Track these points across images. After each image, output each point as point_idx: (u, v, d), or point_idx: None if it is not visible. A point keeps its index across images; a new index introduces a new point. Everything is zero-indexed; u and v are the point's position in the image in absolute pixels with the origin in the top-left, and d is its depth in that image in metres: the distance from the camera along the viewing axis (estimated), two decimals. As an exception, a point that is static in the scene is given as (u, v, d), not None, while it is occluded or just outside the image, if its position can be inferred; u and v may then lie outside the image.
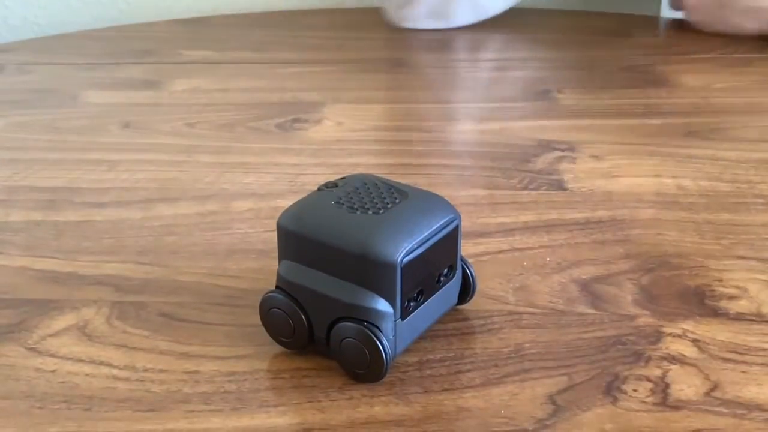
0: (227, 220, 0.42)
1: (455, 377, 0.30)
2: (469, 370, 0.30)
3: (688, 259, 0.37)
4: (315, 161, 0.49)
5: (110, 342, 0.32)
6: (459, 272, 0.32)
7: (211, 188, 0.45)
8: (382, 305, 0.28)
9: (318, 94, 0.61)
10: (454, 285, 0.32)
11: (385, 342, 0.28)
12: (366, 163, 0.48)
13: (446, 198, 0.31)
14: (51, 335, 0.33)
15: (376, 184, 0.31)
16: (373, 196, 0.30)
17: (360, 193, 0.31)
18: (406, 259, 0.28)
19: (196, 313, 0.34)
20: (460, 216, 0.31)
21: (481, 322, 0.33)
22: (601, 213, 0.41)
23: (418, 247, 0.29)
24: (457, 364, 0.30)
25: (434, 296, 0.30)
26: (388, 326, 0.28)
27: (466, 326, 0.33)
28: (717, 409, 0.28)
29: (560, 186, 0.44)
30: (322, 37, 0.78)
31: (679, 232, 0.39)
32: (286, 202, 0.43)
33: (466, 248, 0.38)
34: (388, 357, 0.28)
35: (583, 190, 0.44)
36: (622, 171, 0.46)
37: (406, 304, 0.29)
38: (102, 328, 0.33)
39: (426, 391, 0.29)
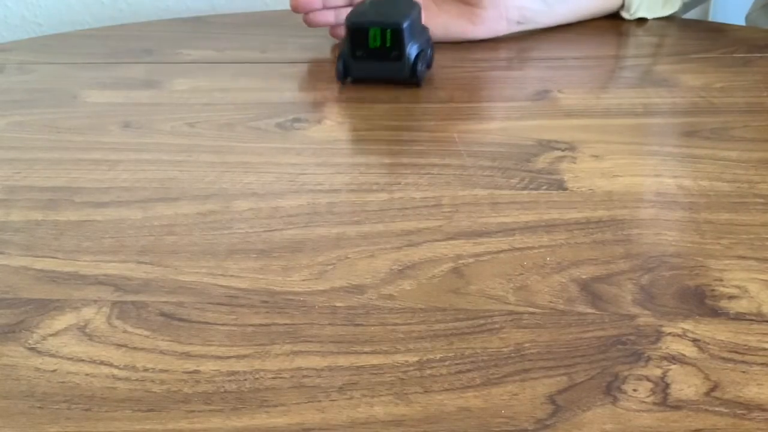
0: (227, 219, 0.42)
1: (455, 377, 0.30)
2: (469, 370, 0.30)
3: (688, 258, 0.37)
4: (315, 161, 0.49)
5: (110, 342, 0.32)
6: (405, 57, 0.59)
7: (212, 188, 0.45)
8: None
9: (318, 93, 0.61)
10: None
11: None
12: (366, 162, 0.48)
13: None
14: (51, 335, 0.33)
15: None
16: None
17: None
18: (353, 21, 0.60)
19: (196, 313, 0.34)
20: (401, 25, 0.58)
21: (481, 322, 0.33)
22: (601, 213, 0.41)
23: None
24: (457, 364, 0.30)
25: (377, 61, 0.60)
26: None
27: (466, 326, 0.33)
28: (717, 409, 0.28)
29: (560, 186, 0.44)
30: (322, 37, 0.78)
31: (679, 232, 0.39)
32: (287, 202, 0.43)
33: (466, 248, 0.38)
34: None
35: (583, 189, 0.44)
36: (622, 171, 0.46)
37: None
38: (102, 327, 0.33)
39: (426, 391, 0.29)
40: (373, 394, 0.29)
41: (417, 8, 0.61)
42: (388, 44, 0.58)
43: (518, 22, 0.74)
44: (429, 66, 0.63)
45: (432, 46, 0.63)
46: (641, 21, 0.81)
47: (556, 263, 0.37)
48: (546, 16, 0.76)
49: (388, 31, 0.58)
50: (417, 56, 0.59)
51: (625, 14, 0.80)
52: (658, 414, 0.28)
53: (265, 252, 0.39)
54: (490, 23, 0.72)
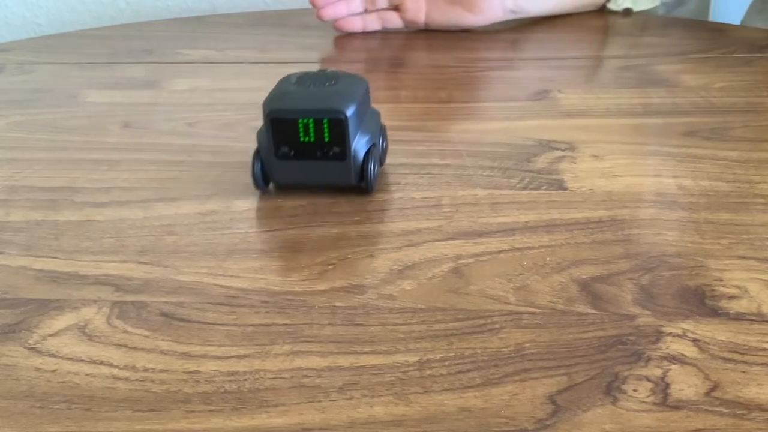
0: (227, 220, 0.42)
1: (455, 377, 0.30)
2: (469, 370, 0.30)
3: (688, 258, 0.37)
4: (315, 161, 0.49)
5: (110, 342, 0.32)
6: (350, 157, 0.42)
7: (212, 188, 0.45)
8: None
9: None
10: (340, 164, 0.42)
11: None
12: (366, 162, 0.48)
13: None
14: (51, 335, 0.33)
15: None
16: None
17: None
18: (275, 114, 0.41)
19: (196, 313, 0.34)
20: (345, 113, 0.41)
21: (481, 322, 0.33)
22: (601, 213, 0.41)
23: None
24: (457, 364, 0.30)
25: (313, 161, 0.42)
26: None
27: (466, 326, 0.33)
28: (717, 409, 0.28)
29: (560, 186, 0.44)
30: (322, 37, 0.78)
31: (679, 232, 0.39)
32: (287, 202, 0.43)
33: (466, 248, 0.38)
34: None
35: (583, 189, 0.44)
36: (622, 171, 0.46)
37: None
38: (102, 328, 0.33)
39: (426, 391, 0.29)
40: (373, 394, 0.29)
41: (363, 86, 0.44)
42: (325, 138, 0.41)
43: (512, 11, 0.78)
44: (382, 162, 0.47)
45: (385, 134, 0.47)
46: (641, 20, 0.81)
47: (556, 263, 0.37)
48: (537, 6, 0.80)
49: (326, 121, 0.41)
50: (366, 153, 0.43)
51: (612, 6, 0.83)
52: (658, 414, 0.28)
53: (265, 252, 0.39)
54: (488, 12, 0.76)
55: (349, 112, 0.41)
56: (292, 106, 0.41)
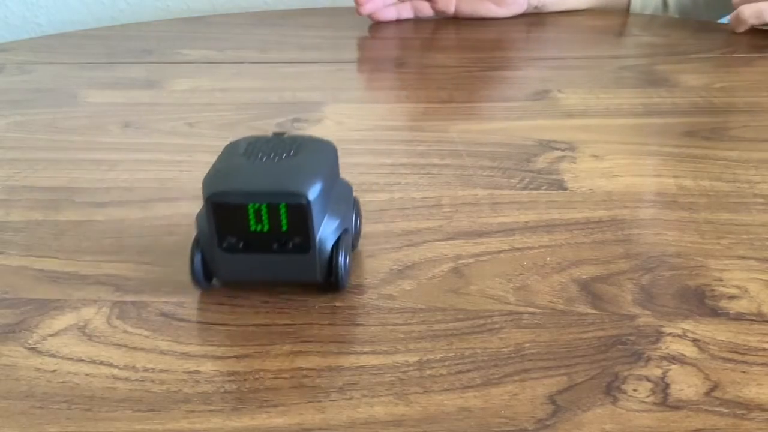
0: (227, 220, 0.42)
1: (455, 377, 0.30)
2: (469, 370, 0.30)
3: (688, 258, 0.37)
4: (315, 161, 0.49)
5: (110, 342, 0.32)
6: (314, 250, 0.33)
7: (211, 188, 0.45)
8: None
9: (318, 93, 0.61)
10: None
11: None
12: (366, 162, 0.48)
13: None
14: (51, 335, 0.33)
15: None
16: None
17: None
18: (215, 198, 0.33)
19: (196, 313, 0.34)
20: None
21: (481, 322, 0.33)
22: (601, 213, 0.41)
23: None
24: (457, 364, 0.30)
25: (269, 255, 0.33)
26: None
27: (466, 326, 0.33)
28: (717, 409, 0.28)
29: (560, 186, 0.44)
30: (322, 37, 0.78)
31: (679, 232, 0.39)
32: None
33: (466, 248, 0.38)
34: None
35: (583, 189, 0.44)
36: (622, 171, 0.46)
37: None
38: (102, 328, 0.33)
39: (426, 391, 0.29)
40: (373, 394, 0.29)
41: (331, 154, 0.36)
42: (283, 227, 0.33)
43: (535, 7, 0.83)
44: (355, 246, 0.38)
45: (358, 210, 0.38)
46: (641, 20, 0.81)
47: (556, 263, 0.37)
48: (561, 3, 0.84)
49: (283, 207, 0.32)
50: (336, 243, 0.34)
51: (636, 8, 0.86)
52: (658, 414, 0.28)
53: (265, 252, 0.39)
54: (513, 6, 0.82)
55: (313, 194, 0.32)
56: (240, 188, 0.32)
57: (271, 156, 0.34)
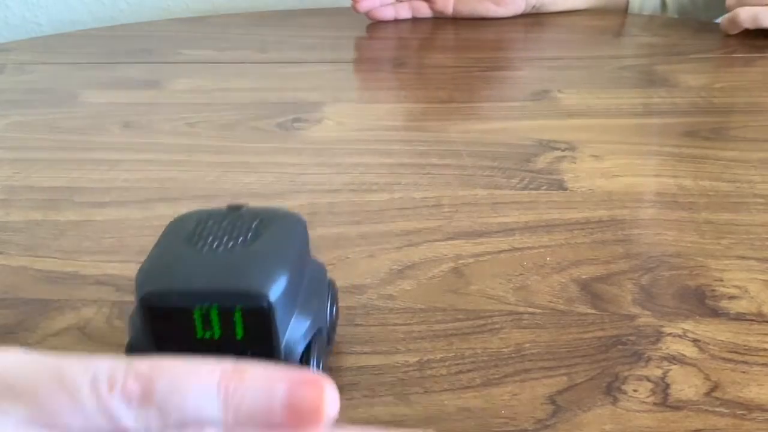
0: (227, 220, 0.42)
1: (455, 377, 0.30)
2: (469, 370, 0.30)
3: (688, 258, 0.37)
4: (316, 161, 0.49)
5: (110, 342, 0.32)
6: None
7: (212, 188, 0.45)
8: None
9: (318, 93, 0.61)
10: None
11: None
12: (366, 162, 0.48)
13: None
14: (51, 335, 0.33)
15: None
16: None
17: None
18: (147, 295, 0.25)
19: (197, 313, 0.34)
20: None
21: (481, 322, 0.33)
22: (601, 213, 0.41)
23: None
24: (458, 364, 0.30)
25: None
26: None
27: (466, 326, 0.33)
28: (717, 409, 0.28)
29: (560, 186, 0.44)
30: (322, 37, 0.78)
31: (679, 232, 0.39)
32: (287, 202, 0.43)
33: (466, 248, 0.38)
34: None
35: (583, 189, 0.44)
36: (622, 171, 0.46)
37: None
38: (102, 328, 0.33)
39: (426, 391, 0.29)
40: (373, 394, 0.29)
41: (298, 234, 0.28)
42: (237, 335, 0.25)
43: (534, 6, 0.83)
44: (330, 339, 0.30)
45: (334, 294, 0.31)
46: (641, 20, 0.81)
47: (556, 263, 0.37)
48: (560, 4, 0.84)
49: (238, 312, 0.25)
50: (307, 349, 0.27)
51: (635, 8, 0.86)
52: (658, 414, 0.28)
53: (265, 252, 0.39)
54: (511, 6, 0.82)
55: (275, 292, 0.25)
56: (181, 286, 0.25)
57: (224, 240, 0.26)
